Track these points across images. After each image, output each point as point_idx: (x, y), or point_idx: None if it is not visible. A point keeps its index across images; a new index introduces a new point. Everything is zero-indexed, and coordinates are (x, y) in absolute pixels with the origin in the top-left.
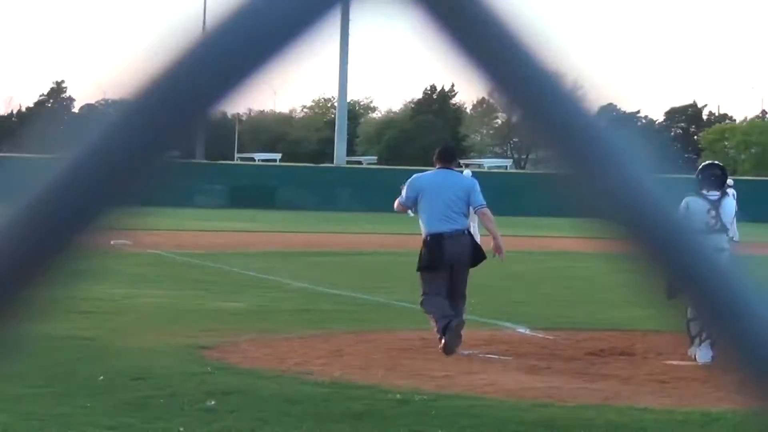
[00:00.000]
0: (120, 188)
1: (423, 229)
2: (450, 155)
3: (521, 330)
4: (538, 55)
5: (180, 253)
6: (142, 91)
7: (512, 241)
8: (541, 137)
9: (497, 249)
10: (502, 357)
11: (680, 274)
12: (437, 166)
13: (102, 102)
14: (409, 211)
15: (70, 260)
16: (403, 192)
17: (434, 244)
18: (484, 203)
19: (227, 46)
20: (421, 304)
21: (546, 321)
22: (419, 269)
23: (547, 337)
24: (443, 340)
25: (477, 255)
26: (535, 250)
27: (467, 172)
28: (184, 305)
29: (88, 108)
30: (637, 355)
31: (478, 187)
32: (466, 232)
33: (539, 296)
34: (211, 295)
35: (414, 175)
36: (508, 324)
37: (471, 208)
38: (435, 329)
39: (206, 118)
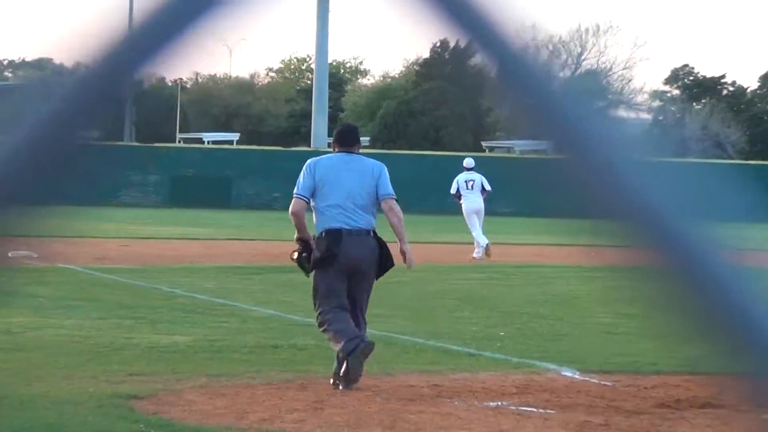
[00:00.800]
0: (20, 182)
1: (317, 226)
2: (352, 137)
3: (567, 373)
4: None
5: (101, 269)
6: (51, 51)
7: (554, 252)
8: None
9: (402, 254)
10: (542, 410)
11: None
12: (336, 150)
13: None
14: (311, 202)
15: None
16: (300, 179)
17: (330, 239)
18: (393, 193)
19: None
20: (320, 323)
21: (601, 361)
22: (312, 270)
23: (602, 383)
24: (345, 365)
25: (384, 261)
26: (585, 264)
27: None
28: (107, 339)
29: None
30: (726, 407)
31: (386, 173)
32: (371, 232)
33: (591, 327)
34: (144, 326)
35: (310, 159)
36: (549, 365)
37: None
38: (337, 352)
39: (134, 85)
